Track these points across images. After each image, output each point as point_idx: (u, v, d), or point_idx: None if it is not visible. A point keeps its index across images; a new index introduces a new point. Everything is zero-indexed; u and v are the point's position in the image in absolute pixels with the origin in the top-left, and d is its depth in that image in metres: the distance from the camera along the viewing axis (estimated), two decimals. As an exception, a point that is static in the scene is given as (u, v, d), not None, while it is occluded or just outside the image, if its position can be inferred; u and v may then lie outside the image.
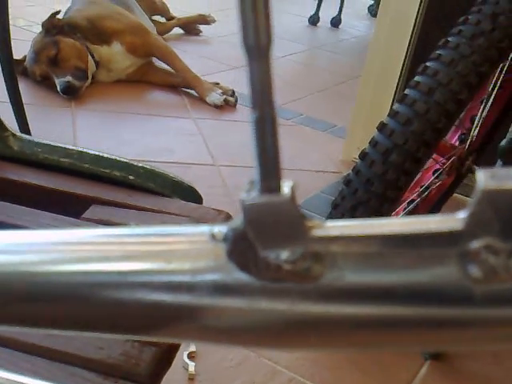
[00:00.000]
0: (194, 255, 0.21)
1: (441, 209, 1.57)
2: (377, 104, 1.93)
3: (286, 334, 0.20)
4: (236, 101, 2.46)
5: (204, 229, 0.21)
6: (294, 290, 0.19)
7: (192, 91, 2.48)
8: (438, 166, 1.46)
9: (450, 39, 1.20)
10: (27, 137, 0.73)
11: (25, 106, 1.68)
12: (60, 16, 2.37)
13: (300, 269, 0.19)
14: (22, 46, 2.31)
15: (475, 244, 0.18)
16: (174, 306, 0.21)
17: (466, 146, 1.42)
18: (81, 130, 2.08)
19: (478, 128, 1.40)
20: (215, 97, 2.41)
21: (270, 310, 0.20)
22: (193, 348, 1.23)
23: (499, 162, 1.26)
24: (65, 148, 0.72)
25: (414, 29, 1.80)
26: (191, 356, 1.21)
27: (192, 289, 0.20)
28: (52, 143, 0.72)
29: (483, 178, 0.18)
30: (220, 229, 0.21)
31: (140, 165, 0.74)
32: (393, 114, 1.18)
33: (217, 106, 2.41)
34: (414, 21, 1.77)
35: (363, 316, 0.19)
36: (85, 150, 0.72)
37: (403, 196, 1.27)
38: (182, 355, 1.21)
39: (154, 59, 2.57)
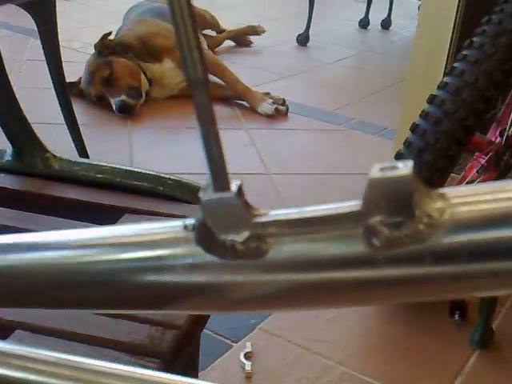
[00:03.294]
0: (171, 244, 0.27)
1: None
2: (423, 105, 1.91)
3: (244, 299, 0.26)
4: (287, 109, 2.48)
5: (179, 222, 0.27)
6: (247, 265, 0.25)
7: (244, 102, 2.52)
8: (480, 163, 1.47)
9: (474, 39, 1.23)
10: (66, 157, 0.79)
11: (82, 127, 1.76)
12: (111, 37, 2.46)
13: (250, 248, 0.25)
14: (77, 68, 2.41)
15: (372, 220, 0.23)
16: (161, 285, 0.27)
17: (503, 142, 1.42)
18: (137, 147, 2.15)
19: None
20: (266, 107, 2.45)
21: (231, 282, 0.26)
22: (249, 348, 1.28)
23: None
24: (99, 165, 0.77)
25: (454, 28, 1.78)
26: (248, 356, 1.26)
27: (172, 270, 0.26)
28: (88, 161, 0.78)
29: (373, 169, 0.23)
30: (190, 221, 0.26)
31: (167, 176, 0.79)
32: (424, 114, 1.22)
33: (268, 116, 2.44)
34: (453, 20, 1.76)
35: (300, 281, 0.25)
36: (117, 166, 0.77)
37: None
38: (239, 355, 1.26)
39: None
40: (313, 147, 2.27)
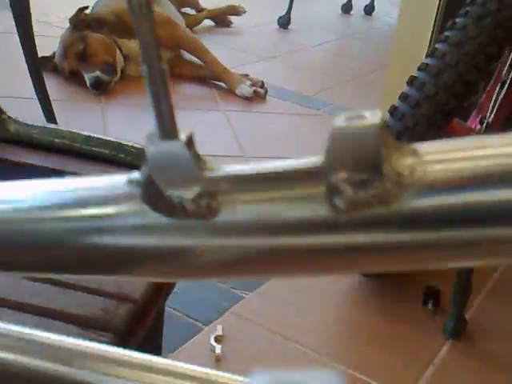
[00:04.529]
0: (113, 201, 0.23)
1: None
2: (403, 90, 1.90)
3: (194, 264, 0.23)
4: (266, 92, 2.45)
5: (122, 177, 0.24)
6: (197, 226, 0.22)
7: (222, 83, 2.48)
8: None
9: (457, 20, 1.19)
10: (23, 120, 0.76)
11: (55, 103, 1.70)
12: (88, 11, 2.39)
13: (200, 206, 0.22)
14: (54, 43, 2.34)
15: (334, 178, 0.20)
16: (103, 247, 0.23)
17: (482, 129, 1.41)
18: (110, 124, 2.10)
19: (494, 111, 1.39)
20: (245, 88, 2.40)
21: (180, 244, 0.23)
22: (219, 332, 1.25)
23: None
24: (57, 129, 0.73)
25: (438, 9, 1.75)
26: (218, 339, 1.23)
27: (115, 230, 0.23)
28: (46, 125, 0.74)
29: (337, 118, 0.20)
30: (135, 175, 0.23)
31: (130, 144, 0.76)
32: (403, 96, 1.19)
33: (246, 98, 2.39)
34: (436, 8, 1.73)
35: (254, 246, 0.22)
36: (76, 131, 0.73)
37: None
38: (209, 338, 1.23)
39: (183, 52, 2.57)
40: (290, 131, 2.24)
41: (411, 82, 1.22)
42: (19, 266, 0.26)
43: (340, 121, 0.20)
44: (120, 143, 0.75)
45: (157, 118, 0.21)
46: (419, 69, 1.22)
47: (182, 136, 0.22)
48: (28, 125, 0.75)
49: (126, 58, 2.39)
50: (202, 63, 2.52)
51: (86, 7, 2.37)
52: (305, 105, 2.45)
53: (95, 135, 0.76)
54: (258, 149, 2.05)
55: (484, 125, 1.44)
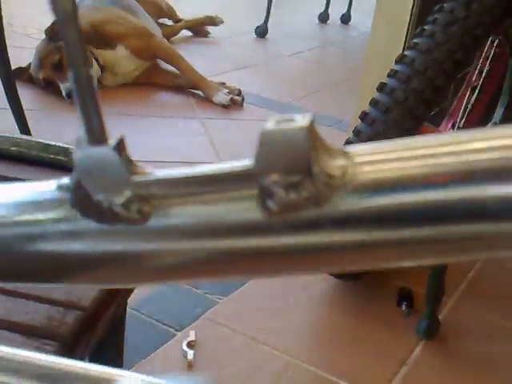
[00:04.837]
0: (43, 206, 0.23)
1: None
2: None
3: (127, 270, 0.23)
4: (243, 100, 2.46)
5: (53, 182, 0.23)
6: (128, 231, 0.22)
7: (199, 92, 2.48)
8: None
9: (426, 27, 1.22)
10: None
11: (31, 112, 1.70)
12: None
13: (130, 211, 0.21)
14: (32, 54, 2.34)
15: (266, 180, 0.20)
16: (35, 254, 0.23)
17: None
18: (86, 134, 2.09)
19: (465, 116, 1.41)
20: (222, 96, 2.41)
21: (110, 250, 0.22)
22: (192, 337, 1.24)
23: None
24: (14, 138, 0.73)
25: (410, 17, 1.78)
26: (191, 344, 1.23)
27: (46, 237, 0.23)
28: (3, 134, 0.74)
29: (268, 122, 0.20)
30: (65, 181, 0.23)
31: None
32: (373, 102, 1.21)
33: (223, 106, 2.40)
34: (410, 7, 1.75)
35: (189, 250, 0.22)
36: (35, 140, 0.74)
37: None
38: (181, 344, 1.22)
39: (160, 62, 2.58)
40: (267, 138, 2.24)
41: (381, 88, 1.23)
42: None
43: (270, 124, 0.20)
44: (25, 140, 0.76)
45: (85, 123, 0.22)
46: (389, 75, 1.24)
47: (112, 141, 0.22)
48: None
49: (102, 68, 2.40)
50: (178, 72, 2.53)
51: (62, 18, 2.37)
52: (282, 111, 2.46)
53: (53, 143, 0.76)
54: (236, 156, 2.05)
55: (455, 129, 1.47)
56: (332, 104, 2.56)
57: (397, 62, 1.25)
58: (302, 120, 0.20)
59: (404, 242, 0.20)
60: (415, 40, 1.23)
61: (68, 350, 0.56)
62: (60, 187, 0.23)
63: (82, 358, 0.58)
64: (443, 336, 1.38)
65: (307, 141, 0.20)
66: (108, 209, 0.22)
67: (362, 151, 0.21)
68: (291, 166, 0.20)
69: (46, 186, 0.23)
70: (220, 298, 1.39)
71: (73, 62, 0.21)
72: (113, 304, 0.66)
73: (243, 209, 0.21)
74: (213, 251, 0.22)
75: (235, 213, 0.21)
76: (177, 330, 1.28)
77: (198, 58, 2.81)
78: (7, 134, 0.75)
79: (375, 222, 0.20)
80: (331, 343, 1.33)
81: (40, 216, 0.23)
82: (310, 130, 0.20)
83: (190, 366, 1.19)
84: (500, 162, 0.19)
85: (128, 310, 1.31)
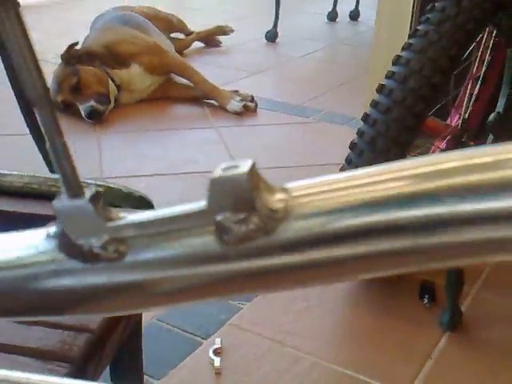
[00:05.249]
0: (35, 252, 0.28)
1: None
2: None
3: (108, 299, 0.27)
4: (256, 106, 2.49)
5: (42, 230, 0.28)
6: (107, 268, 0.26)
7: (213, 101, 2.53)
8: (439, 148, 1.50)
9: (419, 28, 1.24)
10: None
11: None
12: (78, 46, 2.45)
13: (108, 251, 0.26)
14: (49, 79, 2.40)
15: (219, 218, 0.24)
16: (32, 291, 0.28)
17: (459, 125, 1.44)
18: (106, 151, 2.15)
19: (470, 107, 1.42)
20: (235, 104, 2.45)
21: (95, 284, 0.27)
22: (218, 344, 1.28)
23: (490, 137, 1.27)
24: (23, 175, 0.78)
25: (412, 14, 1.79)
26: (217, 352, 1.27)
27: (39, 277, 0.27)
28: (10, 172, 0.80)
29: (216, 169, 0.24)
30: (52, 228, 0.27)
31: (92, 182, 0.80)
32: (374, 104, 1.24)
33: (237, 113, 2.44)
34: (412, 4, 1.77)
35: (159, 279, 0.26)
36: (37, 174, 0.78)
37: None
38: (208, 351, 1.27)
39: (174, 75, 2.63)
40: (283, 141, 2.28)
41: (380, 89, 1.26)
42: None
43: (217, 171, 0.24)
44: (33, 175, 0.81)
45: (62, 179, 0.26)
46: (386, 77, 1.27)
47: (87, 193, 0.26)
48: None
49: (118, 87, 2.46)
50: (191, 84, 2.57)
51: (76, 43, 2.43)
52: (295, 114, 2.50)
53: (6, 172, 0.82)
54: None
55: (461, 120, 1.48)
56: (343, 102, 2.58)
57: (393, 63, 1.28)
58: (244, 165, 0.24)
59: (341, 259, 0.24)
60: (410, 41, 1.25)
61: (79, 371, 0.61)
62: (48, 235, 0.27)
63: (93, 379, 0.63)
64: (467, 327, 1.39)
65: (249, 183, 0.24)
66: (89, 251, 0.26)
67: (299, 186, 0.25)
68: (238, 204, 0.24)
69: (38, 235, 0.28)
70: (243, 304, 1.42)
71: (49, 134, 0.26)
72: (119, 326, 0.70)
73: (203, 242, 0.25)
74: (179, 279, 0.26)
75: (197, 246, 0.25)
76: (203, 339, 1.32)
77: (211, 68, 2.86)
78: (16, 172, 0.80)
79: (315, 244, 0.24)
80: (355, 341, 1.35)
81: (34, 259, 0.27)
82: (251, 173, 0.24)
83: (218, 373, 1.23)
84: (404, 189, 0.23)
85: (154, 321, 1.36)
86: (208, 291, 0.26)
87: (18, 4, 0.24)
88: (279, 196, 0.24)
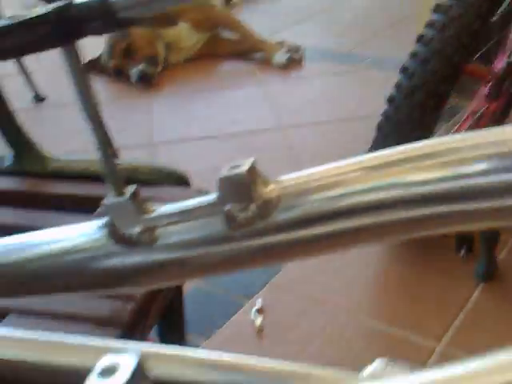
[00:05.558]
0: (92, 238, 0.36)
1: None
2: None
3: (145, 275, 0.36)
4: (302, 57, 2.49)
5: (95, 222, 0.37)
6: (145, 250, 0.35)
7: (258, 55, 2.55)
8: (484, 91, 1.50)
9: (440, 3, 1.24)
10: (58, 156, 1.02)
11: (104, 103, 1.84)
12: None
13: (144, 237, 0.35)
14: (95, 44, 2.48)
15: (226, 208, 0.32)
16: (91, 270, 0.36)
17: (502, 70, 1.43)
18: (157, 115, 2.24)
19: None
20: (280, 57, 2.47)
21: (135, 263, 0.35)
22: (259, 305, 1.38)
23: None
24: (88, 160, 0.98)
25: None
26: (259, 311, 1.36)
27: (94, 258, 0.36)
28: (78, 157, 1.00)
29: (223, 168, 0.31)
30: (104, 220, 0.36)
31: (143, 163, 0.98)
32: (413, 54, 1.30)
33: (283, 66, 2.46)
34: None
35: (184, 258, 0.34)
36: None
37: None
38: (250, 312, 1.36)
39: (220, 30, 2.65)
40: (327, 94, 2.29)
41: (419, 39, 1.29)
42: (52, 289, 0.39)
43: (224, 170, 0.31)
44: (137, 165, 0.97)
45: (109, 181, 0.35)
46: (426, 25, 1.29)
47: (128, 192, 0.35)
48: (64, 160, 0.98)
49: (167, 46, 2.51)
50: (238, 38, 2.60)
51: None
52: (342, 62, 2.48)
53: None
54: (295, 118, 2.13)
55: (505, 64, 1.46)
56: (393, 46, 2.54)
57: (434, 10, 1.28)
58: (245, 165, 0.31)
59: (323, 235, 0.31)
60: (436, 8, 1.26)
61: (129, 334, 0.73)
62: (100, 226, 0.36)
63: (141, 339, 0.77)
64: (502, 278, 1.41)
65: (247, 179, 0.31)
66: (130, 238, 0.35)
67: (289, 179, 0.32)
68: (240, 196, 0.31)
69: (92, 225, 0.37)
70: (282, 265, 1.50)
71: (102, 149, 0.35)
72: (160, 294, 0.82)
73: (215, 228, 0.33)
74: (199, 257, 0.34)
75: (211, 230, 0.33)
76: (246, 299, 1.41)
77: (259, 17, 2.86)
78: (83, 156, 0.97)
79: (302, 224, 0.31)
80: (391, 296, 1.40)
81: (90, 245, 0.36)
82: (250, 170, 0.31)
83: (260, 331, 1.32)
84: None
85: (199, 286, 1.46)
86: (221, 266, 0.34)
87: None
88: (272, 187, 0.32)
